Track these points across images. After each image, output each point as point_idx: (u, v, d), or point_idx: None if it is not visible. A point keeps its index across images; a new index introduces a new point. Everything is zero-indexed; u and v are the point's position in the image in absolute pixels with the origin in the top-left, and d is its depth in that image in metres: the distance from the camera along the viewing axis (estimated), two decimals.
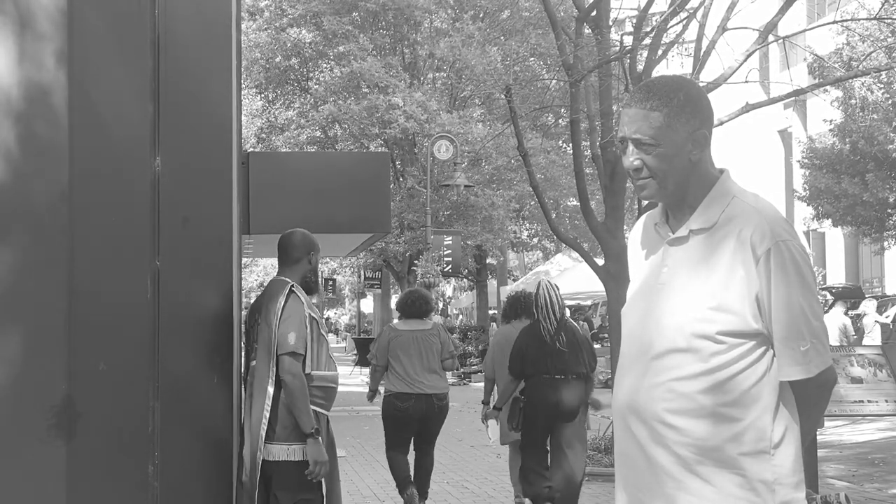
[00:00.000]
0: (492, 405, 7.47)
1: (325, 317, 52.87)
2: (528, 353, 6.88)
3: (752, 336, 2.30)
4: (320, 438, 4.46)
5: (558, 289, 7.12)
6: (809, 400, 2.37)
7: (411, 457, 7.64)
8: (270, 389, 4.46)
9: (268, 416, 4.44)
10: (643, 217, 2.62)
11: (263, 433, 4.42)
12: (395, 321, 7.94)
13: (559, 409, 6.82)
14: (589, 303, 30.42)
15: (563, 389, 6.82)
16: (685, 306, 2.33)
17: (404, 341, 7.46)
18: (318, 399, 4.58)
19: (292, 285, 4.59)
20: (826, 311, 20.00)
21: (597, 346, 21.27)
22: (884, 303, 22.85)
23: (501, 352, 7.29)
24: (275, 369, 4.47)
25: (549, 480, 6.93)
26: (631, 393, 2.40)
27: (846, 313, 18.72)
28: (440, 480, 9.39)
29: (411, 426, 7.45)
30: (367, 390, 8.13)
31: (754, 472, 2.29)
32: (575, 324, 7.15)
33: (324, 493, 4.54)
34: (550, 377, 6.81)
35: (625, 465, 2.45)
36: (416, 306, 7.62)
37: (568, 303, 31.50)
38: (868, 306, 19.99)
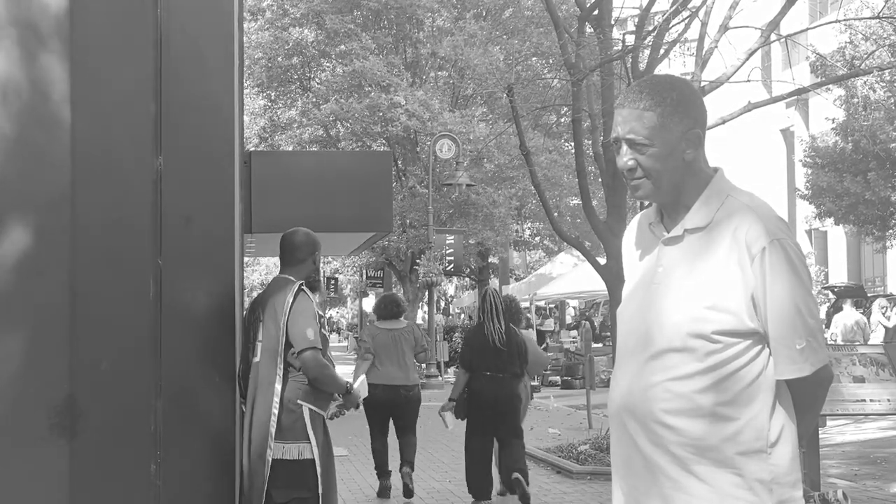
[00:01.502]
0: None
1: (327, 316, 52.95)
2: (475, 351, 7.85)
3: (747, 335, 2.30)
4: (351, 388, 4.82)
5: (501, 295, 8.22)
6: (806, 398, 2.37)
7: (395, 445, 8.55)
8: (278, 387, 4.47)
9: (276, 413, 4.44)
10: (637, 217, 2.62)
11: (273, 430, 4.43)
12: (375, 321, 9.02)
13: (496, 402, 7.74)
14: (580, 303, 30.43)
15: (500, 385, 7.75)
16: (681, 306, 2.33)
17: (383, 338, 8.53)
18: (315, 398, 4.58)
19: (301, 283, 4.60)
20: (834, 311, 20.02)
21: (598, 345, 21.26)
22: (892, 300, 22.79)
23: None
24: (282, 367, 4.48)
25: (488, 476, 7.83)
26: (627, 393, 2.40)
27: (863, 312, 18.79)
28: (442, 479, 9.39)
29: (383, 411, 8.45)
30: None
31: (751, 471, 2.28)
32: (515, 327, 8.13)
33: (320, 492, 4.53)
34: (492, 374, 7.74)
35: (621, 466, 2.45)
36: (389, 309, 8.76)
37: (572, 302, 31.57)
38: (877, 305, 19.99)
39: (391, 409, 8.46)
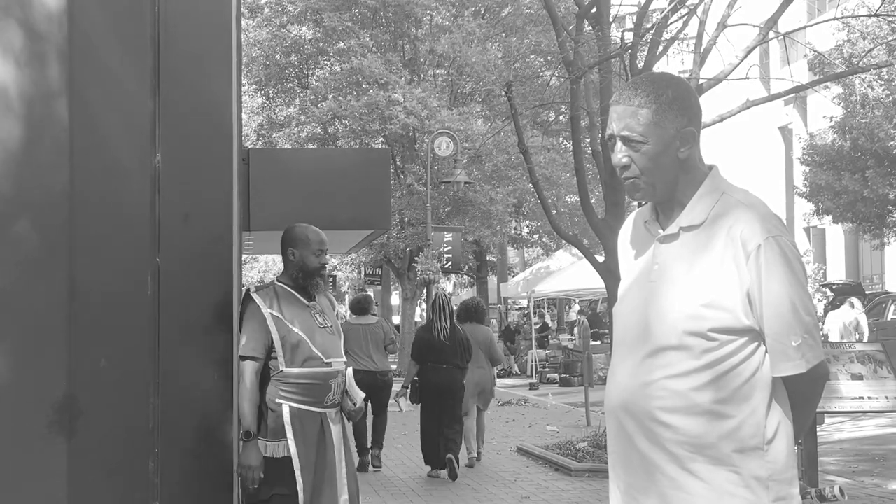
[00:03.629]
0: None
1: None
2: (423, 345, 9.32)
3: (743, 332, 2.30)
4: (258, 442, 4.48)
5: (449, 298, 9.64)
6: (802, 395, 2.37)
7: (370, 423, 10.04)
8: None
9: (262, 412, 4.61)
10: (632, 215, 2.62)
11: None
12: (348, 317, 10.60)
13: (442, 388, 9.13)
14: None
15: (445, 375, 9.17)
16: (676, 304, 2.33)
17: (356, 332, 9.95)
18: (299, 396, 4.58)
19: (248, 288, 4.71)
20: (832, 309, 20.01)
21: (597, 342, 21.27)
22: (881, 301, 22.74)
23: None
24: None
25: (439, 449, 9.11)
26: (623, 391, 2.40)
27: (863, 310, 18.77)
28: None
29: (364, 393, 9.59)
30: None
31: (748, 468, 2.29)
32: (458, 325, 9.61)
33: (299, 489, 4.51)
34: (436, 365, 9.17)
35: (618, 464, 2.45)
36: (360, 306, 10.37)
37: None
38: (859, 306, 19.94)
39: (369, 392, 9.61)
